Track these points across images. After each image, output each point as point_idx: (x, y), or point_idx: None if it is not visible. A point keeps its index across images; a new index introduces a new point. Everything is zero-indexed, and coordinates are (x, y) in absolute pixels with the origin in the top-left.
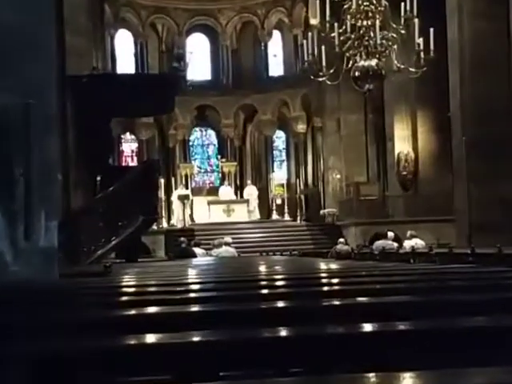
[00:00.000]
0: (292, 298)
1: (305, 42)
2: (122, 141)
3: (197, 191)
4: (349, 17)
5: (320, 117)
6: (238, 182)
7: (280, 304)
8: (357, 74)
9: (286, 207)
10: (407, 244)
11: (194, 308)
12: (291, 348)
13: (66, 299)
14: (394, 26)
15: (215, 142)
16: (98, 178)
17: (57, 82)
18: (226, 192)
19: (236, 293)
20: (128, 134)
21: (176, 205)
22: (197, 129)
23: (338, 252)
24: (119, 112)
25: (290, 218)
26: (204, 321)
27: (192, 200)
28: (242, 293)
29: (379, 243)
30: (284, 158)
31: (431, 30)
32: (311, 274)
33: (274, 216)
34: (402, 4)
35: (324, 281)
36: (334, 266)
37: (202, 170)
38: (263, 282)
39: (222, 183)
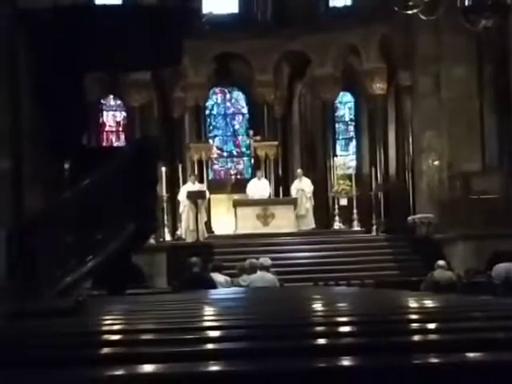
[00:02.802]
0: (364, 353)
1: None
2: (103, 108)
3: (217, 186)
4: None
5: (409, 70)
6: (279, 172)
7: (346, 362)
8: (467, 3)
9: (354, 211)
10: None
11: (214, 367)
12: None
13: (14, 352)
14: None
15: (245, 110)
16: (67, 166)
17: (4, 20)
18: (261, 187)
19: (278, 344)
20: (112, 98)
21: (185, 207)
22: (217, 90)
23: (436, 281)
24: (98, 64)
25: (362, 227)
26: None
27: (209, 200)
28: (286, 344)
29: (501, 268)
30: (352, 134)
31: None
32: (394, 315)
33: (337, 225)
34: None
35: (415, 326)
36: (430, 302)
37: (225, 154)
38: (319, 328)
39: (254, 174)
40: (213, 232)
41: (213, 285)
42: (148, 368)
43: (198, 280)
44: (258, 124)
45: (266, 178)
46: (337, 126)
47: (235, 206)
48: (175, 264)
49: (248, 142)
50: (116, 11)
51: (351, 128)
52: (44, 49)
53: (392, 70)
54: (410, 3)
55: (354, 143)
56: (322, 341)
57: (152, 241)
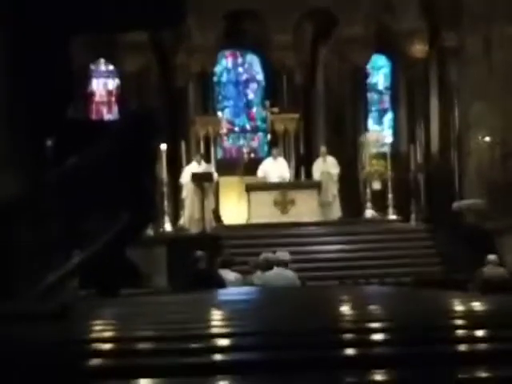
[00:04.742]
0: (401, 365)
1: None
2: (93, 75)
3: (227, 167)
4: None
5: (454, 30)
6: (301, 150)
7: (379, 376)
8: None
9: (389, 196)
10: None
11: (222, 382)
12: None
13: None
14: None
15: (260, 76)
16: (49, 144)
17: None
18: (277, 168)
19: (297, 355)
20: (103, 63)
21: (189, 192)
22: (227, 53)
23: (486, 279)
24: (85, 23)
25: (398, 215)
26: None
27: (218, 183)
28: (308, 355)
29: None
30: (387, 105)
31: None
32: (436, 320)
33: (369, 212)
34: None
35: (460, 334)
36: (478, 305)
37: (237, 129)
38: (348, 336)
39: (271, 152)
40: (222, 221)
41: (221, 283)
42: (145, 383)
43: (204, 278)
44: (276, 93)
45: (284, 156)
46: (369, 95)
47: (248, 190)
48: (177, 259)
49: (264, 114)
50: None
51: (386, 98)
52: (20, 5)
53: (434, 30)
54: None
55: (389, 116)
56: (350, 351)
57: (150, 232)
